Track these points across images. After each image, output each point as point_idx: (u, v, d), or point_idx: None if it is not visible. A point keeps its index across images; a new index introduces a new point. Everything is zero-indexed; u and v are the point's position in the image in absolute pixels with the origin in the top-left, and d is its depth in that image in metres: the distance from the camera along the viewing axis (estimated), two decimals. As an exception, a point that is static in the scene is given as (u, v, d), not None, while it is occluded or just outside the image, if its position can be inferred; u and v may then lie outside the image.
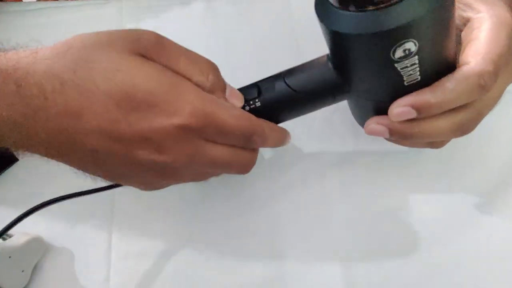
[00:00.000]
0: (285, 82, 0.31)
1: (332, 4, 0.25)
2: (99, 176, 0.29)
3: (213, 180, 0.34)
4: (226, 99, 0.30)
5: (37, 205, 0.33)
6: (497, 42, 0.26)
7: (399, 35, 0.23)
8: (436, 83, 0.26)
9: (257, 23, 0.46)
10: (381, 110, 0.29)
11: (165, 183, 0.31)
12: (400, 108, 0.27)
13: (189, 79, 0.28)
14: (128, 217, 0.38)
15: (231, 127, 0.28)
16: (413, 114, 0.27)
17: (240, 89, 0.32)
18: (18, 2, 0.49)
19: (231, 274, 0.36)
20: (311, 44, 0.44)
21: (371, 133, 0.30)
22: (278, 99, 0.31)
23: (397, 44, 0.24)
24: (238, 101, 0.31)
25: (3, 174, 0.40)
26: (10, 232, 0.35)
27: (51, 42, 0.45)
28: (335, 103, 0.32)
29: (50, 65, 0.25)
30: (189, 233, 0.38)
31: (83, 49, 0.26)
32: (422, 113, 0.27)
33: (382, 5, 0.23)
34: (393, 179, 0.38)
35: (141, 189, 0.31)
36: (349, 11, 0.24)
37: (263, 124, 0.31)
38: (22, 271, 0.35)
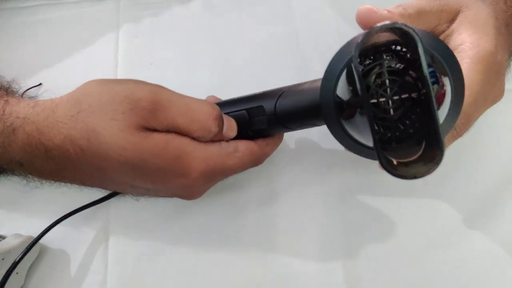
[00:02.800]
0: (277, 119, 0.31)
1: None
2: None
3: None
4: (224, 136, 0.31)
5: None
6: (471, 88, 0.27)
7: None
8: None
9: (257, 21, 0.45)
10: None
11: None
12: None
13: (189, 134, 0.30)
14: (125, 218, 0.38)
15: (239, 169, 0.32)
16: None
17: (234, 116, 0.33)
18: (14, -1, 0.49)
19: (229, 274, 0.36)
20: (311, 44, 0.44)
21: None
22: (268, 128, 0.32)
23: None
24: (232, 133, 0.32)
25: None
26: (3, 233, 0.34)
27: (48, 39, 0.45)
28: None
29: (67, 131, 0.28)
30: (187, 234, 0.37)
31: (90, 115, 0.28)
32: None
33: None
34: (393, 180, 0.37)
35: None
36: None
37: (265, 149, 0.33)
38: (16, 273, 0.35)
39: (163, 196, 0.37)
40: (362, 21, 0.29)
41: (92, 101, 0.29)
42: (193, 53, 0.44)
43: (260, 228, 0.37)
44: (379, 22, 0.22)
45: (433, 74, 0.24)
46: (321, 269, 0.35)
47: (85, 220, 0.37)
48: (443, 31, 0.31)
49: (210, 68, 0.43)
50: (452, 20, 0.31)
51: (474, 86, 0.27)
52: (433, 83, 0.23)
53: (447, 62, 0.25)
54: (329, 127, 0.27)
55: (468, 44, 0.29)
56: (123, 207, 0.38)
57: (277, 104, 0.31)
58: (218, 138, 0.31)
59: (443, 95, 0.24)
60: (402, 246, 0.36)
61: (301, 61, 0.43)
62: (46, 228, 0.34)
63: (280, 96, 0.31)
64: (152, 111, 0.28)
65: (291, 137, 0.39)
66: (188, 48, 0.44)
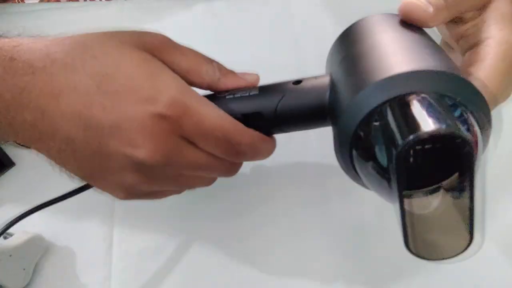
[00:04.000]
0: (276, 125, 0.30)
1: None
2: (77, 175, 0.28)
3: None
4: (239, 78, 0.30)
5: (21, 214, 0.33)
6: (490, 86, 0.27)
7: None
8: None
9: (257, 25, 0.46)
10: None
11: (144, 188, 0.29)
12: None
13: (198, 69, 0.28)
14: (130, 215, 0.38)
15: (213, 126, 0.26)
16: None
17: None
18: (20, 3, 0.50)
19: (232, 271, 0.36)
20: (311, 44, 0.44)
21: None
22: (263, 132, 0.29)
23: None
24: (254, 76, 0.30)
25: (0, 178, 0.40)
26: (11, 231, 0.35)
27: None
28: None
29: (47, 46, 0.25)
30: (190, 231, 0.38)
31: (84, 35, 0.26)
32: None
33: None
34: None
35: (120, 197, 0.29)
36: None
37: (253, 134, 0.28)
38: (23, 269, 0.35)
39: (115, 187, 0.29)
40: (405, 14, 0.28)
41: (91, 33, 0.27)
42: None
43: (260, 228, 0.37)
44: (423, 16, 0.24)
45: (465, 122, 0.22)
46: (321, 268, 0.36)
47: (90, 217, 0.38)
48: (471, 19, 0.29)
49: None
50: (481, 9, 0.29)
51: (494, 85, 0.27)
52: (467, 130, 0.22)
53: (476, 104, 0.23)
54: (336, 153, 0.26)
55: (496, 38, 0.28)
56: (128, 204, 0.38)
57: (277, 110, 0.28)
58: (229, 80, 0.30)
59: (476, 144, 0.22)
60: (402, 245, 0.36)
61: (300, 63, 0.44)
62: (17, 217, 0.33)
63: (280, 100, 0.29)
64: (159, 43, 0.27)
65: (291, 138, 0.40)
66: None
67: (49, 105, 0.24)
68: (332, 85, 0.28)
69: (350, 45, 0.29)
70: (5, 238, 0.36)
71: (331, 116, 0.28)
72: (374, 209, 0.37)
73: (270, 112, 0.28)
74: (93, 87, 0.24)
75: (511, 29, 0.28)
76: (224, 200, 0.38)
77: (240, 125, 0.28)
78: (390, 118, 0.22)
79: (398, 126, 0.21)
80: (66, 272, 0.36)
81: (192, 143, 0.27)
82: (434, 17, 0.27)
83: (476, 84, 0.25)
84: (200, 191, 0.36)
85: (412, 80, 0.22)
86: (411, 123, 0.20)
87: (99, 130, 0.25)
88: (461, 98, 0.23)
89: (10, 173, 0.40)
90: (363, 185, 0.27)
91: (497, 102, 0.29)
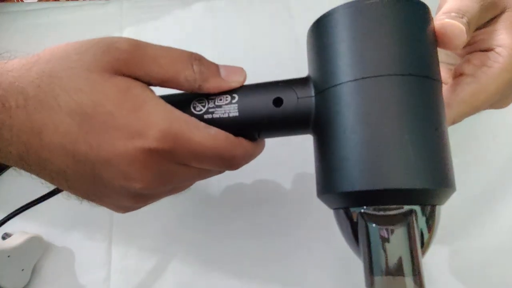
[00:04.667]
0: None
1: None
2: (73, 195, 0.28)
3: (214, 178, 0.34)
4: (222, 80, 0.28)
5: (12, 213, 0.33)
6: (489, 92, 0.27)
7: None
8: None
9: (257, 24, 0.46)
10: None
11: (142, 205, 0.29)
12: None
13: (175, 78, 0.26)
14: (129, 216, 0.38)
15: (206, 149, 0.25)
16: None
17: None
18: (19, 2, 0.49)
19: (231, 272, 0.36)
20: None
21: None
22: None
23: None
24: (239, 75, 0.28)
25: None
26: (10, 231, 0.35)
27: (51, 42, 0.46)
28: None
29: (15, 78, 0.24)
30: (189, 232, 0.38)
31: (49, 62, 0.24)
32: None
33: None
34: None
35: (120, 212, 0.29)
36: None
37: (244, 144, 0.27)
38: (22, 270, 0.35)
39: (114, 207, 0.29)
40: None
41: (55, 52, 0.25)
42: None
43: (260, 230, 0.37)
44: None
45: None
46: (320, 268, 0.36)
47: (89, 218, 0.38)
48: (483, 27, 0.29)
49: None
50: (494, 18, 0.29)
51: (492, 91, 0.27)
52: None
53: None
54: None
55: (507, 47, 0.28)
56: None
57: (259, 136, 0.28)
58: (211, 85, 0.27)
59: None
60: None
61: (300, 62, 0.43)
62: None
63: (261, 131, 0.28)
64: (127, 53, 0.25)
65: (291, 140, 0.40)
66: (189, 49, 0.45)
67: (32, 142, 0.24)
68: (317, 107, 0.26)
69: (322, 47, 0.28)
70: (3, 238, 0.36)
71: (316, 132, 0.27)
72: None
73: (252, 136, 0.28)
74: (74, 126, 0.24)
75: None
76: (223, 202, 0.38)
77: (230, 139, 0.26)
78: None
79: None
80: (65, 272, 0.36)
81: (186, 164, 0.26)
82: (465, 43, 0.26)
83: (472, 87, 0.26)
84: (199, 193, 0.37)
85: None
86: None
87: (89, 164, 0.24)
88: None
89: (8, 174, 0.40)
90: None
91: (493, 107, 0.29)
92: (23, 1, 0.50)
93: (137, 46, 0.25)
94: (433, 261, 0.35)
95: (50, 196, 0.31)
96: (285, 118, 0.27)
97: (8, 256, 0.34)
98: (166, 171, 0.25)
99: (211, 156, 0.26)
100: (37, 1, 0.49)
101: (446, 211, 0.37)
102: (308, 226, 0.37)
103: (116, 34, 0.46)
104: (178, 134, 0.24)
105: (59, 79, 0.24)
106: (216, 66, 0.28)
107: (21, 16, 0.48)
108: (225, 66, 0.28)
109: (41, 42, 0.46)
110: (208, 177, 0.29)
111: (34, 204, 0.32)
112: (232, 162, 0.27)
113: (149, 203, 0.29)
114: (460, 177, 0.37)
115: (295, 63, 0.43)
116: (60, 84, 0.24)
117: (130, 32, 0.46)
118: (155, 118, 0.24)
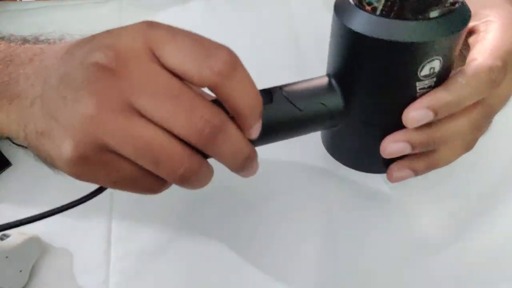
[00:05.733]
0: (285, 97, 0.28)
1: (362, 8, 0.25)
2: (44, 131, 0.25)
3: (214, 177, 0.34)
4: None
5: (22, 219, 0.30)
6: (505, 40, 0.26)
7: (433, 49, 0.24)
8: (448, 81, 0.26)
9: (257, 22, 0.46)
10: (374, 140, 0.28)
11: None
12: (417, 111, 0.25)
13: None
14: (128, 216, 0.38)
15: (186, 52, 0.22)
16: (430, 116, 0.25)
17: None
18: (17, 1, 0.49)
19: (231, 273, 0.36)
20: (311, 43, 0.44)
21: (390, 155, 0.27)
22: (278, 114, 0.27)
23: (428, 60, 0.24)
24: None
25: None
26: (7, 232, 0.34)
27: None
28: (327, 128, 0.30)
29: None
30: (189, 233, 0.37)
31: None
32: (440, 113, 0.26)
33: (419, 17, 0.23)
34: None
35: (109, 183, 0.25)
36: (384, 17, 0.24)
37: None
38: (20, 271, 0.35)
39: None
40: None
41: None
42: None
43: (260, 229, 0.37)
44: None
45: None
46: (318, 272, 0.36)
47: (88, 217, 0.38)
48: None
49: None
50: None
51: (508, 39, 0.27)
52: None
53: None
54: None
55: (497, 15, 0.28)
56: (126, 204, 0.38)
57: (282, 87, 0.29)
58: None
59: None
60: (402, 246, 0.36)
61: (301, 61, 0.43)
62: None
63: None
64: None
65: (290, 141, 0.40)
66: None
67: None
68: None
69: None
70: (1, 239, 0.35)
71: None
72: (374, 209, 0.37)
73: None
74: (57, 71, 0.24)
75: (501, 8, 0.28)
76: (223, 202, 0.38)
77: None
78: None
79: None
80: (64, 273, 0.36)
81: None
82: None
83: (487, 44, 0.26)
84: (198, 193, 0.36)
85: None
86: None
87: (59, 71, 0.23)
88: None
89: (7, 173, 0.40)
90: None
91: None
92: (21, 0, 0.49)
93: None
94: (435, 261, 0.35)
95: (96, 194, 0.29)
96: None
97: (6, 257, 0.34)
98: (147, 73, 0.22)
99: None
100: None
101: (449, 210, 0.37)
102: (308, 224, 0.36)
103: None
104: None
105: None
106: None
107: (19, 14, 0.48)
108: None
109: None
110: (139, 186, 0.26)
111: (78, 204, 0.30)
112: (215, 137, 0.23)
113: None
114: (463, 177, 0.37)
115: (295, 62, 0.43)
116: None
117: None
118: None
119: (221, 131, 0.22)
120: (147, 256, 0.37)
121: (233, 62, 0.23)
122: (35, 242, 0.36)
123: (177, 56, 0.22)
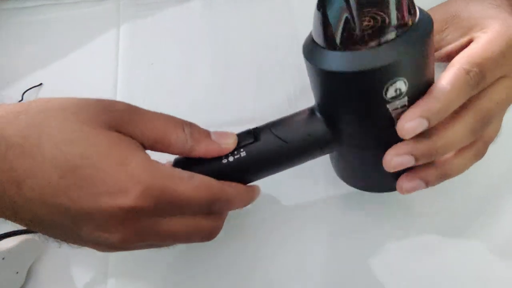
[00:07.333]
0: (272, 132, 0.29)
1: (322, 47, 0.26)
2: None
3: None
4: (214, 143, 0.29)
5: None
6: (486, 48, 0.27)
7: (390, 72, 0.24)
8: (433, 88, 0.26)
9: (257, 20, 0.46)
10: (372, 161, 0.29)
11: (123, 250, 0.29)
12: (411, 122, 0.26)
13: (167, 138, 0.27)
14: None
15: (189, 199, 0.26)
16: (424, 124, 0.26)
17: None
18: (15, -1, 0.49)
19: (232, 275, 0.36)
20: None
21: (395, 168, 0.27)
22: (265, 149, 0.29)
23: (389, 82, 0.24)
24: (230, 139, 0.29)
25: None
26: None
27: (47, 40, 0.45)
28: (321, 155, 0.31)
29: (1, 126, 0.24)
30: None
31: (41, 112, 0.24)
32: (432, 120, 0.26)
33: (372, 44, 0.24)
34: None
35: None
36: (340, 51, 0.25)
37: (227, 189, 0.28)
38: (17, 273, 0.35)
39: (93, 247, 0.28)
40: None
41: (51, 103, 0.25)
42: (193, 53, 0.44)
43: (261, 233, 0.37)
44: None
45: None
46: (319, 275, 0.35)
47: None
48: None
49: (210, 67, 0.43)
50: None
51: (492, 48, 0.27)
52: None
53: None
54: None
55: (494, 27, 0.28)
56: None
57: (270, 125, 0.30)
58: (202, 147, 0.28)
59: None
60: (402, 247, 0.36)
61: (301, 60, 0.43)
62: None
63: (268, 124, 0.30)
64: (124, 112, 0.26)
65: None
66: (188, 47, 0.44)
67: (10, 191, 0.24)
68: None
69: None
70: (-3, 241, 0.35)
71: None
72: (374, 210, 0.37)
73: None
74: (56, 177, 0.23)
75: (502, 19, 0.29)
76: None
77: (216, 185, 0.28)
78: None
79: None
80: (61, 275, 0.36)
81: (168, 215, 0.27)
82: None
83: (467, 51, 0.27)
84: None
85: None
86: None
87: (68, 216, 0.24)
88: None
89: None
90: None
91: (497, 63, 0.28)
92: (19, -2, 0.49)
93: (135, 108, 0.27)
94: (436, 261, 0.35)
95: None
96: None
97: (3, 259, 0.34)
98: (144, 227, 0.26)
99: (193, 204, 0.26)
100: (33, -2, 0.49)
101: (450, 211, 0.36)
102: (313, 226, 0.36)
103: (113, 31, 0.45)
104: (161, 189, 0.25)
105: (50, 129, 0.24)
106: (207, 131, 0.29)
107: (17, 13, 0.48)
108: (216, 132, 0.29)
109: (37, 39, 0.46)
110: (189, 240, 0.30)
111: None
112: (212, 207, 0.28)
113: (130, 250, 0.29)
114: (464, 177, 0.37)
115: (295, 61, 0.43)
116: (49, 134, 0.24)
117: (127, 29, 0.45)
118: (138, 174, 0.24)
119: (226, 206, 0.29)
120: (145, 259, 0.36)
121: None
122: (32, 243, 0.36)
123: None
